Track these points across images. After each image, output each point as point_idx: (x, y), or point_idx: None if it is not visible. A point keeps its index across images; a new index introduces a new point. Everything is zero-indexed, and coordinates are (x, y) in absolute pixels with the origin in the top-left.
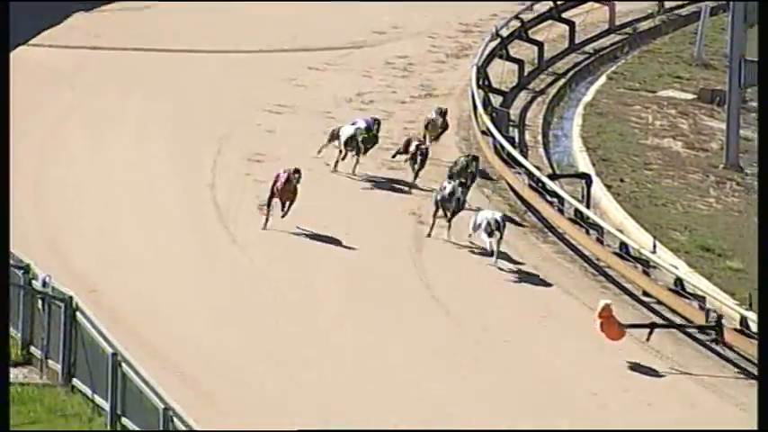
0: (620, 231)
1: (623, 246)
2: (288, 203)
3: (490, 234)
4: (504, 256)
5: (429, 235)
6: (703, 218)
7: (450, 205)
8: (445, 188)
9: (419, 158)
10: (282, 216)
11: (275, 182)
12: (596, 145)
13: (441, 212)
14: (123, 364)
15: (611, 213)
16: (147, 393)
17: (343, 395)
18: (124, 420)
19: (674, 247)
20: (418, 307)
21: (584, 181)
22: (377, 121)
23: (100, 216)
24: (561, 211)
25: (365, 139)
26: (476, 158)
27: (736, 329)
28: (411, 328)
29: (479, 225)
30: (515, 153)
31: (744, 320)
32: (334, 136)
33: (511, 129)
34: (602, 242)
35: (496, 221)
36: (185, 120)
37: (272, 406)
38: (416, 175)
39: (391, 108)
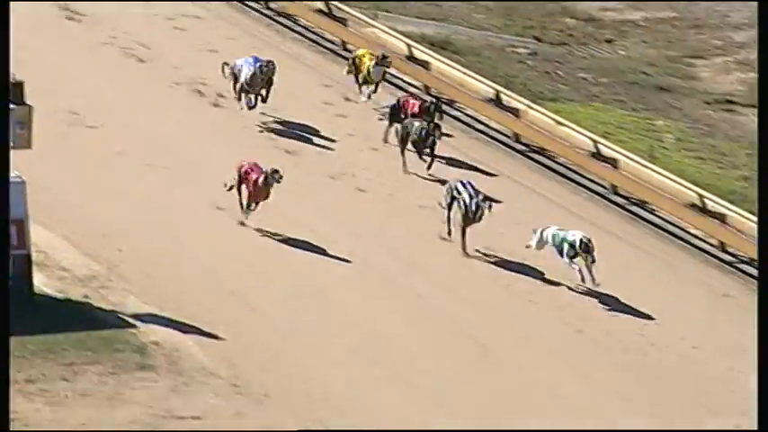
0: None
1: None
2: (260, 201)
3: (573, 257)
4: None
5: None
6: None
7: (473, 218)
8: (460, 192)
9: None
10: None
11: (246, 178)
12: None
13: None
14: None
15: None
16: None
17: None
18: None
19: None
20: None
21: None
22: (270, 62)
23: None
24: None
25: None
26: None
27: None
28: None
29: (559, 247)
30: None
31: None
32: (233, 73)
33: None
34: None
35: (582, 242)
36: None
37: None
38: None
39: None
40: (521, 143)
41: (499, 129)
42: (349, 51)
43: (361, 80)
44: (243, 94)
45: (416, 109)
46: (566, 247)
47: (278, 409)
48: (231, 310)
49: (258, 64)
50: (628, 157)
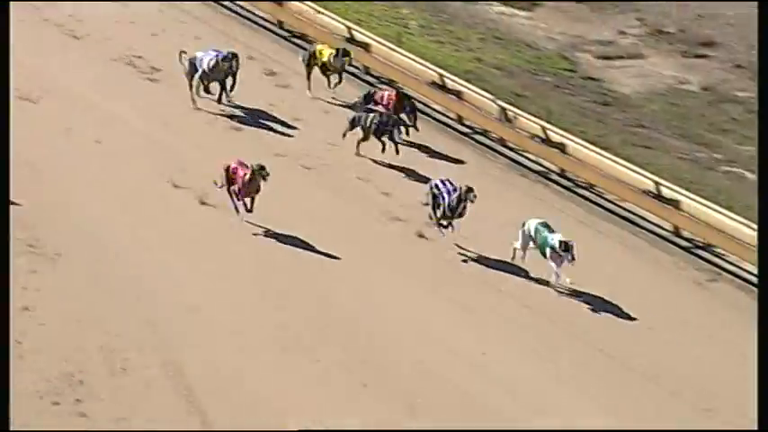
0: None
1: None
2: (252, 199)
3: (557, 258)
4: None
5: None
6: None
7: (455, 213)
8: (443, 192)
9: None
10: (249, 210)
11: (233, 178)
12: None
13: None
14: None
15: None
16: None
17: None
18: None
19: None
20: None
21: None
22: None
23: None
24: None
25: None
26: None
27: None
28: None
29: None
30: None
31: None
32: (194, 66)
33: None
34: None
35: (565, 243)
36: None
37: None
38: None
39: None
40: (284, 29)
41: (265, 17)
42: None
43: (320, 72)
44: (201, 84)
45: (386, 102)
46: (548, 250)
47: (69, 267)
48: (29, 181)
49: (220, 55)
50: (378, 41)
